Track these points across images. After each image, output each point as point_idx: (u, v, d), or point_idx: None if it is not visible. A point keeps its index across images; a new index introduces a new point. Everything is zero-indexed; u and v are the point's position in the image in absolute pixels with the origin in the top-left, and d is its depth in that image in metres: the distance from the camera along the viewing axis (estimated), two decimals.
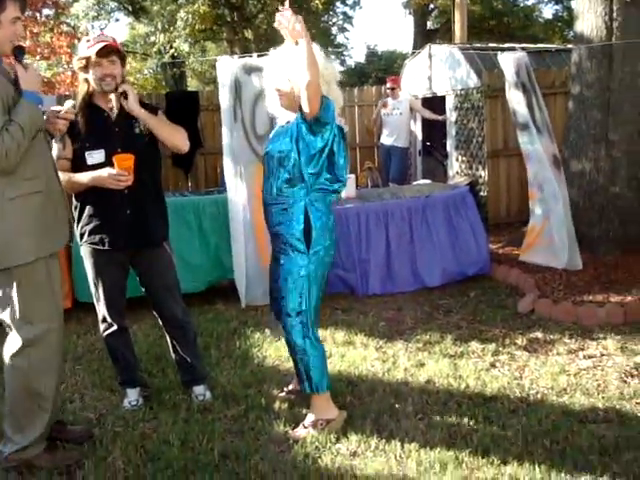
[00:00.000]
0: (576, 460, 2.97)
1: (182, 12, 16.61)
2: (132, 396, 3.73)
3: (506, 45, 9.21)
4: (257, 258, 5.51)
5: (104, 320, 3.62)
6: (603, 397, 3.61)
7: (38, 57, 14.37)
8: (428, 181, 7.90)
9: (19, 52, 2.95)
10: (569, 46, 8.19)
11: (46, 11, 14.53)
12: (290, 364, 3.64)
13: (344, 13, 24.72)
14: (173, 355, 3.80)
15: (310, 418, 3.35)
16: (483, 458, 3.01)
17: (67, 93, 12.24)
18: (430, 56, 9.31)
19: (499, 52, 6.17)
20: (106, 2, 22.37)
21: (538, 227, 6.07)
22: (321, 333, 4.17)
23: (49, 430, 3.12)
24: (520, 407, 3.53)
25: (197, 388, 3.78)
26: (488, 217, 8.03)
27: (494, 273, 6.09)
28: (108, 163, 3.30)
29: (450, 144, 9.01)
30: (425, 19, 22.31)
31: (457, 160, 8.91)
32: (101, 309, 3.60)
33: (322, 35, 22.52)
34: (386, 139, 9.23)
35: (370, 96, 10.61)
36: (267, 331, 4.73)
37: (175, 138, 3.52)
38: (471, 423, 3.36)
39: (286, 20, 2.98)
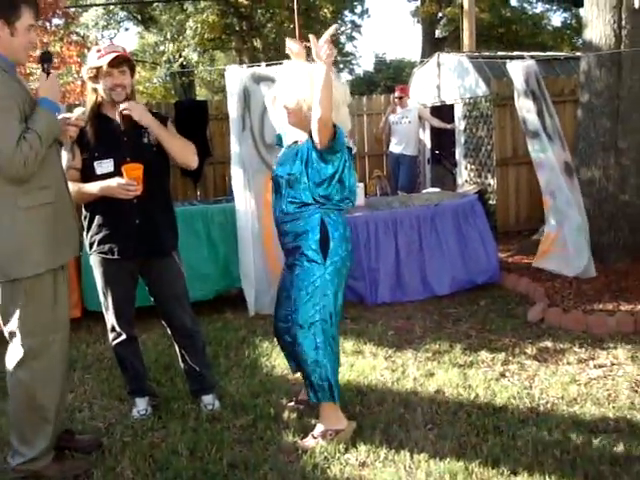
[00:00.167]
0: (587, 470, 2.94)
1: (191, 21, 16.74)
2: (141, 405, 3.73)
3: (515, 53, 9.22)
4: (265, 266, 5.53)
5: (113, 329, 3.62)
6: (614, 407, 3.59)
7: None
8: (437, 189, 7.89)
9: (46, 57, 2.89)
10: (578, 54, 8.17)
11: (56, 20, 14.60)
12: (299, 374, 3.63)
13: (352, 22, 24.75)
14: (182, 364, 3.80)
15: (319, 428, 3.34)
16: (493, 468, 2.99)
17: (77, 102, 12.31)
18: (439, 64, 9.31)
19: (508, 60, 6.18)
20: (115, 12, 22.60)
21: (552, 235, 6.04)
22: None
23: (56, 440, 3.11)
24: (530, 417, 3.51)
25: (206, 397, 3.77)
26: (497, 225, 8.01)
27: (503, 282, 6.08)
28: (117, 173, 3.30)
29: (459, 152, 9.00)
30: (434, 27, 22.34)
31: (466, 168, 8.90)
32: (110, 318, 3.60)
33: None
34: (395, 147, 9.23)
35: (379, 105, 10.60)
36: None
37: (185, 154, 3.52)
38: (481, 433, 3.34)
39: (323, 46, 2.91)
